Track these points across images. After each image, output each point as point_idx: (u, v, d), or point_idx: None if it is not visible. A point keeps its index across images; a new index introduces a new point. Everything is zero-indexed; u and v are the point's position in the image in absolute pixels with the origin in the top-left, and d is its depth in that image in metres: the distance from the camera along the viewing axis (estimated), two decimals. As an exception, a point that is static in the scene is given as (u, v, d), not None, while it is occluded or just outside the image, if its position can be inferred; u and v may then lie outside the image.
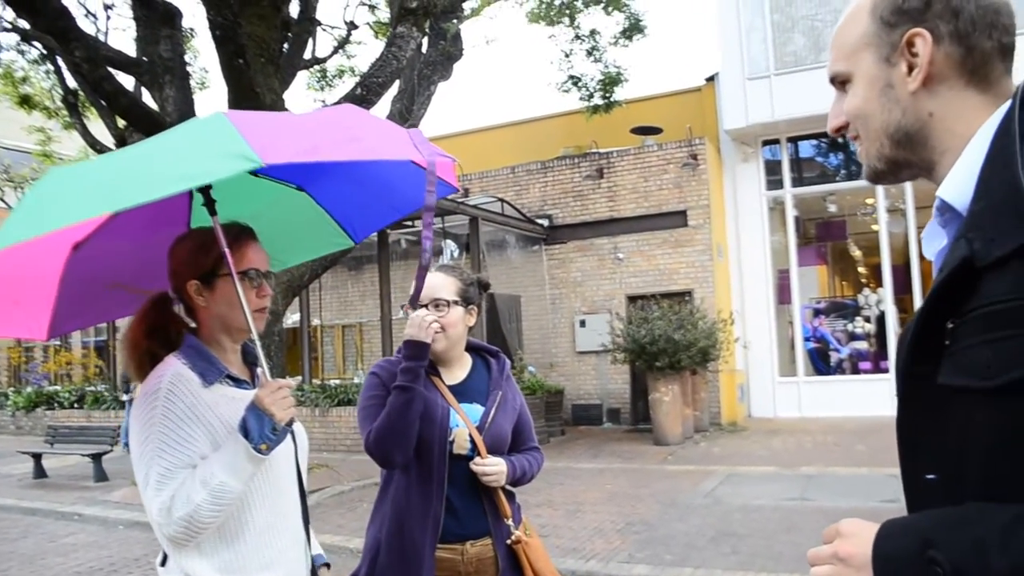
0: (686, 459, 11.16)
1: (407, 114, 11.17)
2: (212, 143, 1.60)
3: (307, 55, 14.06)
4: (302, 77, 16.11)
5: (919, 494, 1.09)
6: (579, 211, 16.08)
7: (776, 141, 15.82)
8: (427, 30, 11.19)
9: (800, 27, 15.56)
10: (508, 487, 2.64)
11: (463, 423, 2.56)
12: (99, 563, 7.35)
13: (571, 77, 16.15)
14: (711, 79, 16.56)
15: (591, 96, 16.01)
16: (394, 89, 11.57)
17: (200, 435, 1.90)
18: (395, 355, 2.65)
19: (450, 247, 15.33)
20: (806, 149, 16.03)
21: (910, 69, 1.11)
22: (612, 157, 15.84)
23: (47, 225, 1.56)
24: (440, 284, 2.61)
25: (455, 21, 12.10)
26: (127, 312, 2.30)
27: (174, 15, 10.79)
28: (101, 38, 14.12)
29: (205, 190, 2.02)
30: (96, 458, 11.87)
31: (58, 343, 21.01)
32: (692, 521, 7.49)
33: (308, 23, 11.51)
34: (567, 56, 16.13)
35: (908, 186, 14.51)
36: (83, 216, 1.55)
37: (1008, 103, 1.05)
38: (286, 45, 11.09)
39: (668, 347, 12.26)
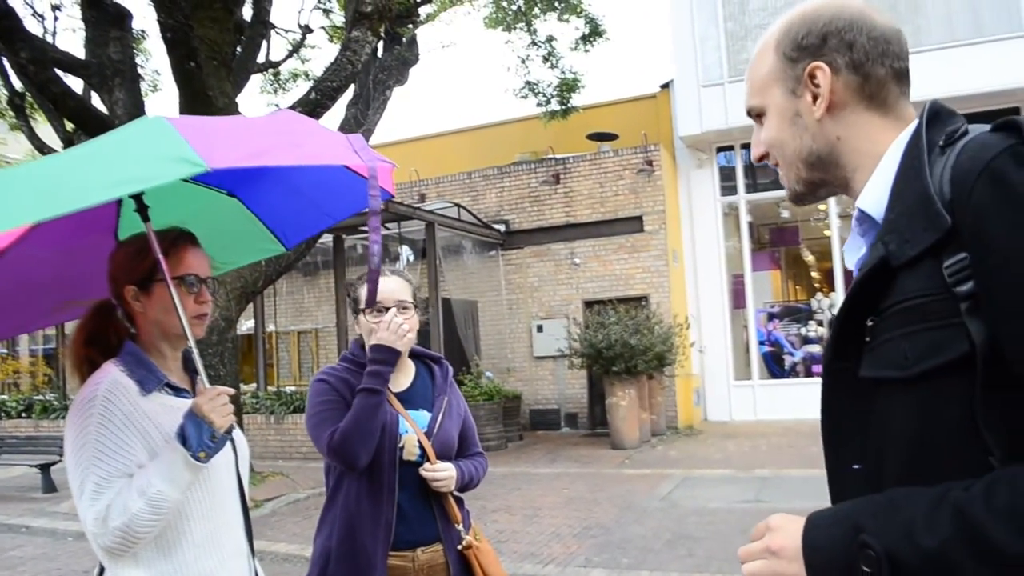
0: (643, 463, 11.22)
1: (362, 119, 11.10)
2: (154, 147, 1.57)
3: (261, 59, 13.91)
4: (256, 80, 15.96)
5: (844, 484, 1.16)
6: (536, 216, 16.10)
7: (730, 147, 16.02)
8: (382, 35, 11.12)
9: (753, 35, 15.75)
10: (457, 493, 2.64)
11: (412, 429, 2.56)
12: (46, 576, 7.18)
13: (528, 83, 16.20)
14: (666, 86, 16.71)
15: (548, 102, 16.08)
16: (349, 94, 11.49)
17: (137, 444, 1.86)
18: (338, 363, 2.65)
19: (406, 252, 15.28)
20: (759, 156, 16.19)
21: (815, 99, 1.22)
22: (568, 163, 15.90)
23: None
24: (400, 288, 2.62)
25: (411, 26, 12.06)
26: (54, 320, 2.25)
27: (124, 17, 10.59)
28: (49, 39, 13.82)
29: (137, 196, 1.98)
30: (44, 469, 11.59)
31: (4, 351, 20.48)
32: (648, 524, 7.53)
33: (262, 26, 11.37)
34: (523, 62, 16.19)
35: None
36: (20, 222, 1.51)
37: (916, 121, 1.17)
38: (239, 48, 10.94)
39: (624, 352, 12.32)
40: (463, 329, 15.43)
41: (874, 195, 1.17)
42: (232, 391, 1.97)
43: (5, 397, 19.08)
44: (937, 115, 1.15)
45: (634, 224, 15.19)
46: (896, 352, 1.04)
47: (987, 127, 1.06)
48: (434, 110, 48.60)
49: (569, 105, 16.05)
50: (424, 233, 14.36)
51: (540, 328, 15.74)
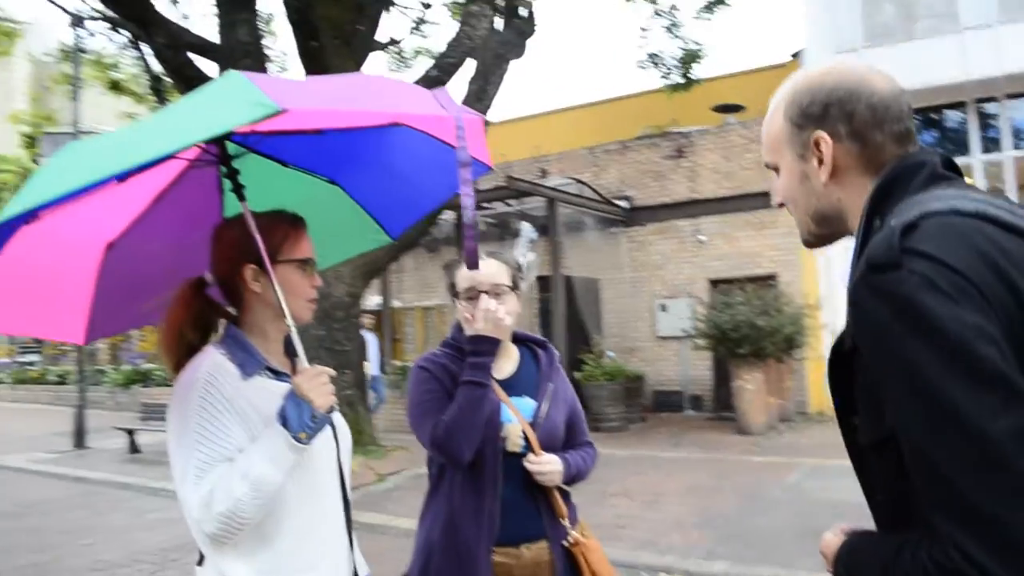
0: (770, 450, 10.77)
1: (482, 94, 10.99)
2: (227, 97, 1.52)
3: (383, 36, 14.04)
4: (380, 58, 16.03)
5: (875, 511, 1.29)
6: (659, 192, 15.69)
7: (867, 118, 15.10)
8: (500, 6, 10.97)
9: (893, -4, 14.78)
10: (563, 486, 2.47)
11: (515, 418, 2.40)
12: (183, 540, 7.41)
13: (649, 54, 15.72)
14: (797, 55, 15.92)
15: (670, 73, 15.57)
16: (470, 69, 11.42)
17: (238, 428, 1.80)
18: (439, 349, 2.53)
19: (527, 229, 15.15)
20: (899, 126, 15.23)
21: (820, 163, 1.31)
22: (692, 136, 15.39)
23: (63, 187, 1.46)
24: (496, 271, 2.44)
25: (529, -1, 11.86)
26: (156, 319, 2.22)
27: (251, -1, 10.83)
28: (184, 24, 14.33)
29: (232, 175, 1.92)
30: (185, 436, 12.12)
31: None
32: (775, 516, 7.17)
33: (382, 4, 11.42)
34: (645, 32, 15.72)
35: (1010, 165, 13.74)
36: (96, 176, 1.45)
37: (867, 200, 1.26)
38: (360, 26, 11.00)
39: (751, 333, 11.85)
40: (585, 308, 15.23)
41: (846, 267, 1.25)
42: (333, 372, 1.88)
43: (153, 366, 20.20)
44: (888, 196, 1.22)
45: (762, 199, 14.54)
46: (861, 421, 1.20)
47: (905, 217, 1.11)
48: (555, 85, 48.22)
49: (692, 76, 15.49)
50: (545, 210, 14.21)
51: (664, 307, 15.38)
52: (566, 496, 2.49)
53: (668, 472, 9.49)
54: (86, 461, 12.68)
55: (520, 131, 19.54)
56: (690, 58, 15.48)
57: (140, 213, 2.10)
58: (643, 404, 14.65)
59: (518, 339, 2.62)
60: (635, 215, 15.87)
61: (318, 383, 1.80)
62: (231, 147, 2.01)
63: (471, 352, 2.34)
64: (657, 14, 15.49)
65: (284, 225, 1.94)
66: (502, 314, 2.34)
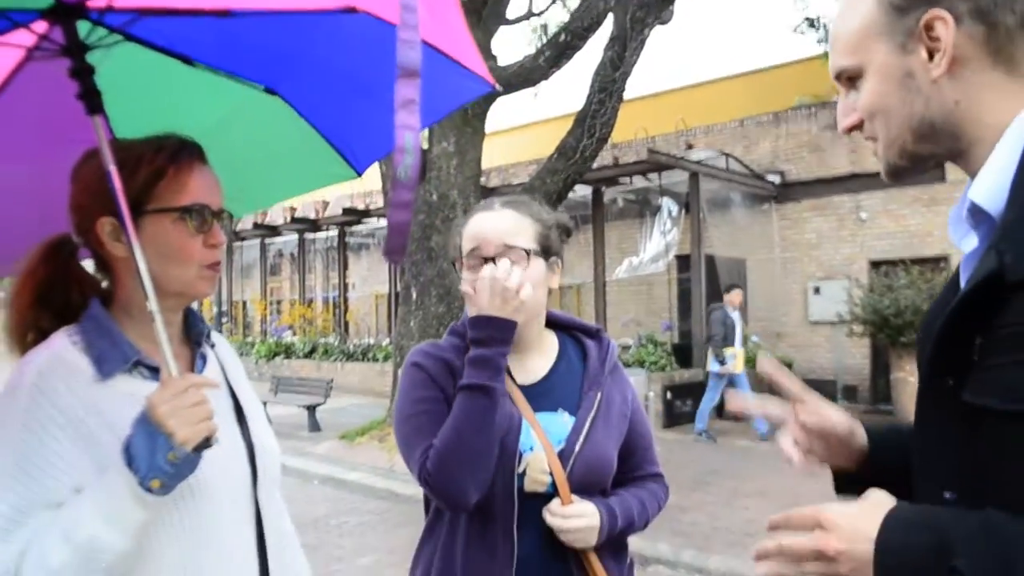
0: (934, 450, 9.65)
1: (619, 61, 10.30)
2: None
3: (523, 10, 13.56)
4: (524, 33, 15.40)
5: (976, 487, 0.98)
6: (815, 166, 14.50)
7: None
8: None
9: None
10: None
11: (539, 444, 1.67)
12: (306, 517, 7.30)
13: (807, 19, 14.52)
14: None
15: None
16: (605, 35, 10.76)
17: (79, 457, 1.24)
18: (444, 339, 1.80)
19: (667, 204, 14.36)
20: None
21: (931, 55, 1.03)
22: (855, 105, 14.11)
23: None
24: (511, 226, 1.71)
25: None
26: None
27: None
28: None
29: (83, 73, 1.36)
30: (311, 409, 12.24)
31: (297, 297, 22.19)
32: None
33: (515, -31, 10.95)
34: (804, -7, 14.53)
35: None
36: None
37: None
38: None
39: (916, 320, 10.70)
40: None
41: (990, 186, 0.98)
42: (214, 383, 1.30)
43: (296, 339, 20.76)
44: None
45: (933, 172, 13.16)
46: (1005, 380, 0.89)
47: None
48: (703, 56, 46.25)
49: (856, 39, 14.19)
50: (688, 185, 13.39)
51: (817, 290, 14.25)
52: (617, 551, 1.77)
53: (813, 471, 8.60)
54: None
55: (664, 104, 18.63)
56: (853, 20, 14.19)
57: None
58: (791, 394, 13.62)
59: (559, 325, 1.91)
60: (788, 191, 14.76)
61: (184, 403, 1.19)
62: (85, 29, 1.41)
63: (473, 341, 1.63)
64: (816, -28, 14.26)
65: (157, 157, 1.35)
66: (514, 283, 1.60)
